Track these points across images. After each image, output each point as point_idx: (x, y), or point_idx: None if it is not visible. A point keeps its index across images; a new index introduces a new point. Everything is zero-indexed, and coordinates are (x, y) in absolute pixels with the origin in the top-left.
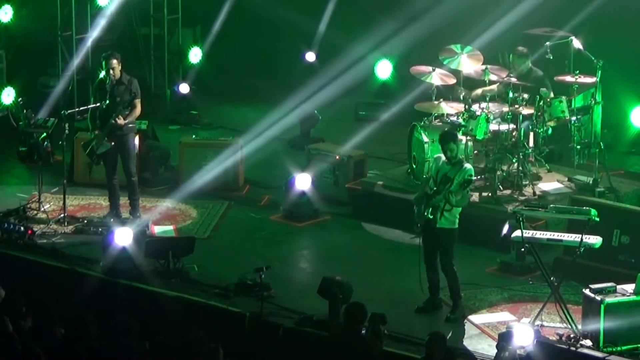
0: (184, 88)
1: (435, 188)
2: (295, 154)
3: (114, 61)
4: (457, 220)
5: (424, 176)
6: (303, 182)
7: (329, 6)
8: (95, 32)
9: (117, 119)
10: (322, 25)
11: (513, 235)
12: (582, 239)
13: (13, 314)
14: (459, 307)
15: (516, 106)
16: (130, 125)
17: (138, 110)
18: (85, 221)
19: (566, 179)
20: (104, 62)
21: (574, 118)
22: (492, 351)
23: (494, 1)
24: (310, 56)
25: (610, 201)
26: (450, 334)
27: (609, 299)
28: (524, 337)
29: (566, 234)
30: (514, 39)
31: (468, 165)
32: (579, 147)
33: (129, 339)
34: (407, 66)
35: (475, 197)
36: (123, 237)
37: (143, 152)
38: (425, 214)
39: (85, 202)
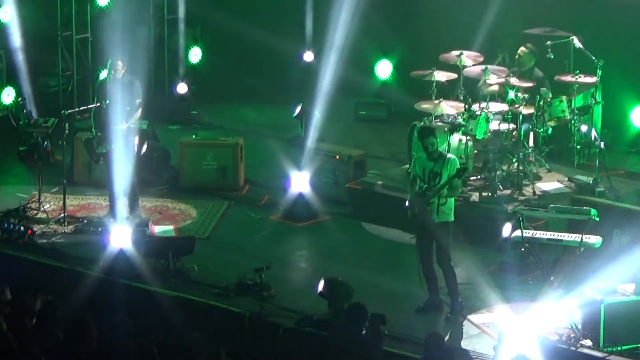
0: (182, 88)
1: (425, 186)
2: (295, 154)
3: (119, 63)
4: (452, 213)
5: (411, 176)
6: (303, 182)
7: (328, 5)
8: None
9: (120, 125)
10: (320, 25)
11: (513, 235)
12: (582, 239)
13: (24, 314)
14: (458, 306)
15: (516, 106)
16: (132, 126)
17: (139, 111)
18: (85, 221)
19: (566, 179)
20: (109, 62)
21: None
22: (492, 351)
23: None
24: (309, 56)
25: (610, 201)
26: (449, 334)
27: (609, 299)
28: (523, 337)
29: (566, 234)
30: (514, 39)
31: (451, 156)
32: (579, 147)
33: (126, 338)
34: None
35: (475, 197)
36: (122, 237)
37: (146, 152)
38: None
39: (85, 202)
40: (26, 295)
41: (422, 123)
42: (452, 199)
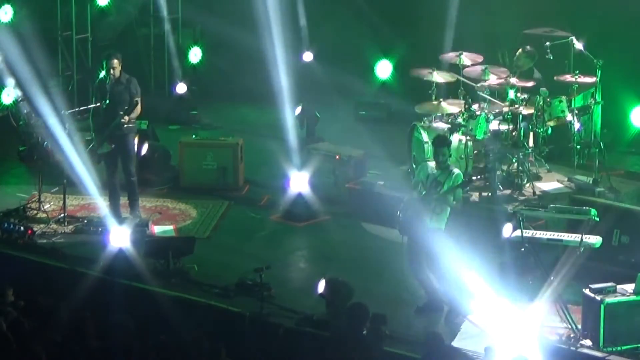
0: (181, 88)
1: (424, 192)
2: (295, 154)
3: (115, 61)
4: (445, 223)
5: (412, 180)
6: (302, 182)
7: (327, 5)
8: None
9: (123, 118)
10: (319, 25)
11: (513, 235)
12: (582, 239)
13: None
14: (457, 306)
15: (516, 106)
16: (131, 125)
17: (138, 109)
18: (85, 221)
19: (566, 179)
20: (104, 62)
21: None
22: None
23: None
24: (308, 56)
25: (610, 201)
26: (449, 334)
27: (609, 299)
28: (522, 337)
29: (566, 234)
30: (514, 39)
31: (457, 171)
32: (578, 147)
33: (127, 338)
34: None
35: (475, 197)
36: (122, 237)
37: (147, 153)
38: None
39: (85, 202)
40: (34, 297)
41: (422, 123)
42: (447, 210)
